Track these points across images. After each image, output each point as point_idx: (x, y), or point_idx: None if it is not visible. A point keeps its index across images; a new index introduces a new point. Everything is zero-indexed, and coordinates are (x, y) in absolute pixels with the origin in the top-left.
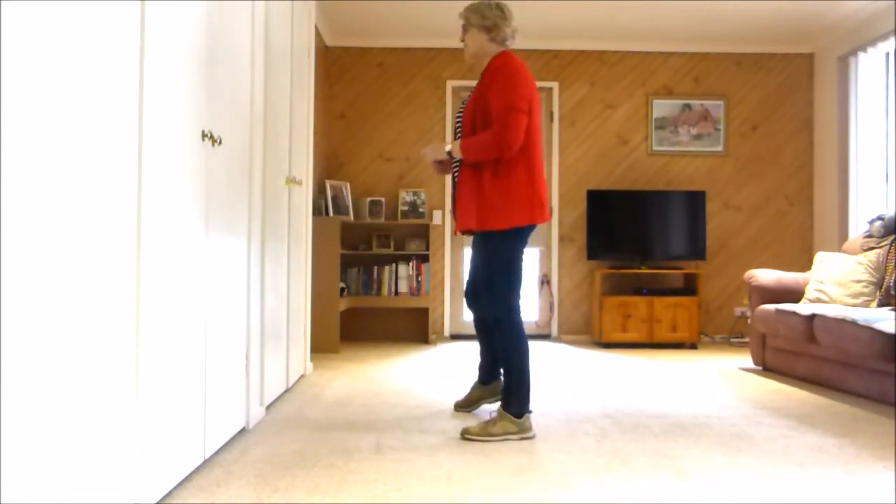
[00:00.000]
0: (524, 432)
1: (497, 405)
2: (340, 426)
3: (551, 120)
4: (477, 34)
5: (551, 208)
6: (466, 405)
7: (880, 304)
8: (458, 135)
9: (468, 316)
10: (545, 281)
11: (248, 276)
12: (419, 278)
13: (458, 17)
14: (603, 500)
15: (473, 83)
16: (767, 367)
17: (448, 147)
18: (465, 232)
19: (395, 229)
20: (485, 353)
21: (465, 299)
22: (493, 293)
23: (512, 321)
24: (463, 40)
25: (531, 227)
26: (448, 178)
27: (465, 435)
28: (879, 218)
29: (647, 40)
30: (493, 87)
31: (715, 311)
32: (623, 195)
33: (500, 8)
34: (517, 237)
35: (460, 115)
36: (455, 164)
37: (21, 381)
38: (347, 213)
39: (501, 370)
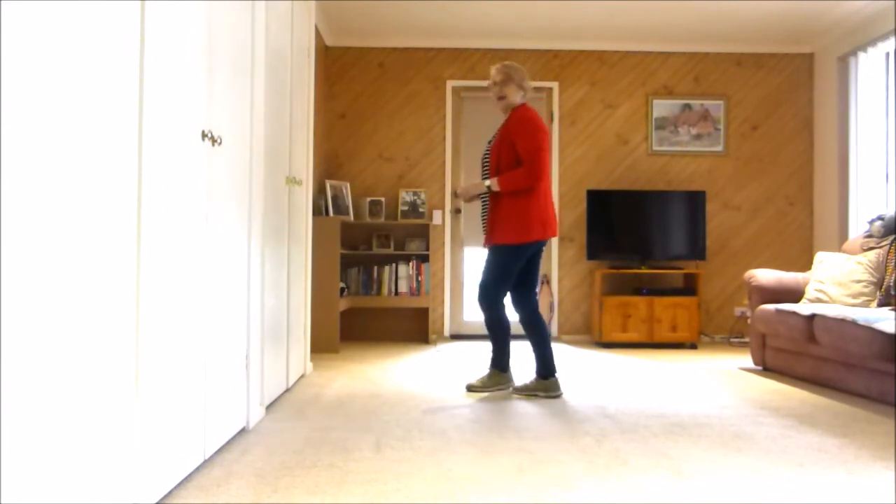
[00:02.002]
0: (550, 390)
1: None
2: (340, 426)
3: (551, 120)
4: (516, 90)
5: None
6: (480, 387)
7: (880, 304)
8: (486, 173)
9: (468, 316)
10: (545, 281)
11: (248, 276)
12: (419, 278)
13: (497, 71)
14: (603, 500)
15: (474, 83)
16: (767, 367)
17: (487, 183)
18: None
19: (395, 229)
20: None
21: (482, 299)
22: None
23: (532, 311)
24: (500, 91)
25: (544, 241)
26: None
27: (514, 393)
28: (879, 218)
29: (647, 40)
30: (522, 133)
31: (715, 311)
32: (623, 195)
33: (524, 71)
34: (533, 248)
35: (487, 154)
36: (483, 196)
37: (21, 381)
38: (347, 213)
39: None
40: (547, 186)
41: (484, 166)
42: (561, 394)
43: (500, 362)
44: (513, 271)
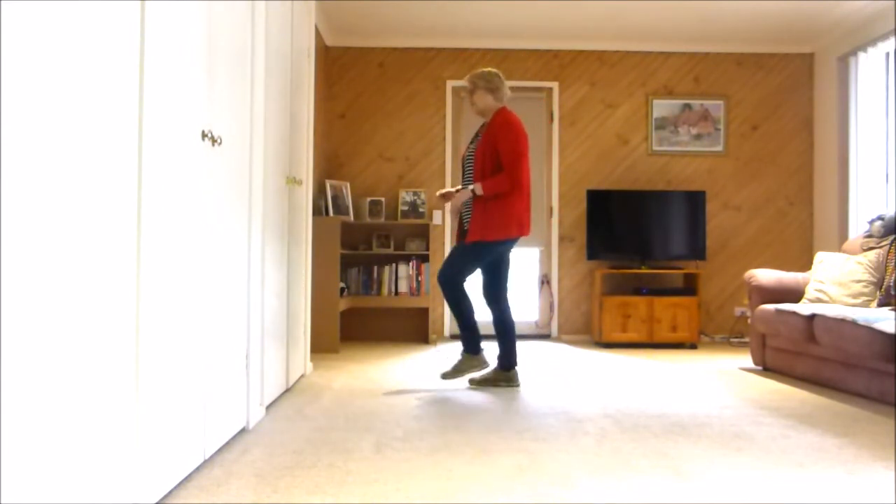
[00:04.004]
0: (511, 381)
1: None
2: (340, 426)
3: (551, 120)
4: (484, 95)
5: (551, 208)
6: (453, 374)
7: (880, 304)
8: (468, 174)
9: None
10: (545, 281)
11: (248, 276)
12: (419, 278)
13: (466, 81)
14: (603, 500)
15: None
16: (767, 367)
17: (471, 187)
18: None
19: (395, 229)
20: (464, 328)
21: (444, 280)
22: (493, 288)
23: (505, 307)
24: (471, 100)
25: (516, 239)
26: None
27: (471, 384)
28: (879, 218)
29: (647, 40)
30: (501, 138)
31: (715, 311)
32: (623, 195)
33: (498, 75)
34: (510, 245)
35: (470, 158)
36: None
37: (21, 381)
38: (347, 213)
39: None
40: (527, 187)
41: (465, 169)
42: (518, 385)
43: (506, 360)
44: (478, 265)
